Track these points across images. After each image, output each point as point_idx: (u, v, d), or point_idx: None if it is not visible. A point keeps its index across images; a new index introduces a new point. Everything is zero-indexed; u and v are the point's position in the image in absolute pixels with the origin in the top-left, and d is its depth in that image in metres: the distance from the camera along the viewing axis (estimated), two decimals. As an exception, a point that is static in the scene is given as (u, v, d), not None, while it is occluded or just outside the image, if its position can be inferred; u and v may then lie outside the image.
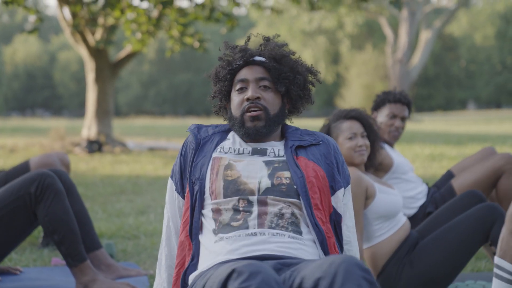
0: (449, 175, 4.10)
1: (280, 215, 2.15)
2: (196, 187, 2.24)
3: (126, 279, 3.42)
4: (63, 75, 50.93)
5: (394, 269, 3.20)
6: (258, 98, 2.28)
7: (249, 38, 2.47)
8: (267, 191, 2.18)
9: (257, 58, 2.34)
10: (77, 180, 7.90)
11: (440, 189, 4.03)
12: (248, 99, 2.28)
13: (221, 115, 2.45)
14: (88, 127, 12.78)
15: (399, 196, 3.37)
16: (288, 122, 2.44)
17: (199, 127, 2.41)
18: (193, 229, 2.22)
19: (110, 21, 11.91)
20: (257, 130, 2.27)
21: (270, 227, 2.12)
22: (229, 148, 2.31)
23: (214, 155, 2.29)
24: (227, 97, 2.40)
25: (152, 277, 3.52)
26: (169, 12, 12.00)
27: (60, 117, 46.27)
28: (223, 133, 2.39)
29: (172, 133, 20.13)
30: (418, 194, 3.95)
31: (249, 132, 2.28)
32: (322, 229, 2.17)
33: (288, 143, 2.32)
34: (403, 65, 31.56)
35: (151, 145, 14.13)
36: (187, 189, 2.28)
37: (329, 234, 2.20)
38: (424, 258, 3.17)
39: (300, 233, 2.15)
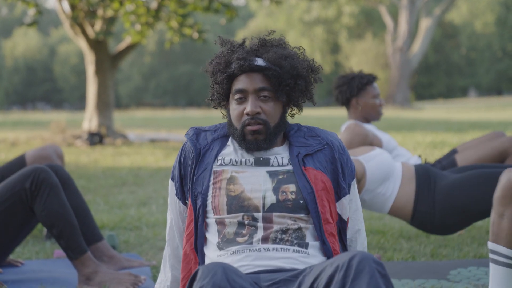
0: (453, 152, 4.07)
1: (285, 230, 2.14)
2: (199, 202, 2.23)
3: (129, 270, 3.43)
4: (63, 68, 50.85)
5: (425, 205, 3.19)
6: (258, 113, 2.21)
7: (244, 41, 2.33)
8: (272, 207, 2.16)
9: (257, 62, 2.24)
10: (78, 173, 7.91)
11: (443, 163, 4.00)
12: (248, 114, 2.22)
13: (221, 111, 2.38)
14: (89, 120, 12.77)
15: (384, 152, 3.35)
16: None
17: (197, 133, 2.34)
18: (198, 244, 2.22)
19: (109, 12, 11.88)
20: (258, 144, 2.22)
21: (274, 242, 2.12)
22: (230, 159, 2.26)
23: (214, 167, 2.25)
24: (225, 98, 2.33)
25: (154, 268, 3.53)
26: (168, 3, 11.97)
27: (60, 110, 46.27)
28: (223, 139, 2.33)
29: (173, 124, 20.12)
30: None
31: (251, 146, 2.23)
32: (329, 246, 2.17)
33: (294, 151, 2.26)
34: (403, 54, 31.51)
35: (152, 137, 14.12)
36: (189, 202, 2.27)
37: (336, 249, 2.20)
38: (462, 191, 3.16)
39: (306, 245, 2.14)
